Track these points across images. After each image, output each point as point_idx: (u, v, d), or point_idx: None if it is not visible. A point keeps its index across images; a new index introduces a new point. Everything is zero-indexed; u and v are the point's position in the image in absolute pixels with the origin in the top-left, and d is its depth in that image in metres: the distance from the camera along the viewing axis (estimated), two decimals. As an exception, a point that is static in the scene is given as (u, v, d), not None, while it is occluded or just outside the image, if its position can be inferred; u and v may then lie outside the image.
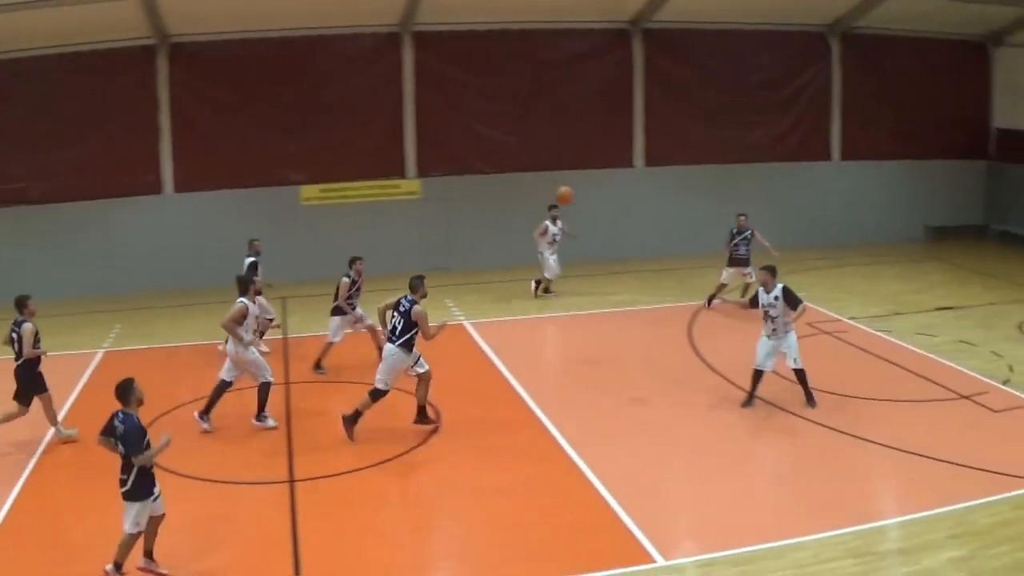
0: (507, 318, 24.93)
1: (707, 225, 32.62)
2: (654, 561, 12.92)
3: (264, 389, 17.79)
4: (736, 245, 25.64)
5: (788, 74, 34.16)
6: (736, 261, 25.70)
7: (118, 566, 12.31)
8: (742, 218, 25.82)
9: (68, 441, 17.24)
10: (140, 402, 12.54)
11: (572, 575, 12.67)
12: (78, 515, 14.52)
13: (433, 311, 24.02)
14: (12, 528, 14.18)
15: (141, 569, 12.61)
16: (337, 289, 21.03)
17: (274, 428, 17.81)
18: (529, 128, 31.03)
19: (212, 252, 28.36)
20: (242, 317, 17.36)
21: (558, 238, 26.82)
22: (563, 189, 25.14)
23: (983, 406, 18.87)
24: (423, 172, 30.17)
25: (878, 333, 23.57)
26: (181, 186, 28.74)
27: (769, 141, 34.10)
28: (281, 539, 13.53)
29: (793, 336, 18.64)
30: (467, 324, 24.44)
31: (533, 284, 27.24)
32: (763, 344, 18.74)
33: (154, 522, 12.55)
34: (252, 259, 22.58)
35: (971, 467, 15.91)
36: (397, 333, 16.90)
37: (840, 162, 35.31)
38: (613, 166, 32.24)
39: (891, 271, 30.70)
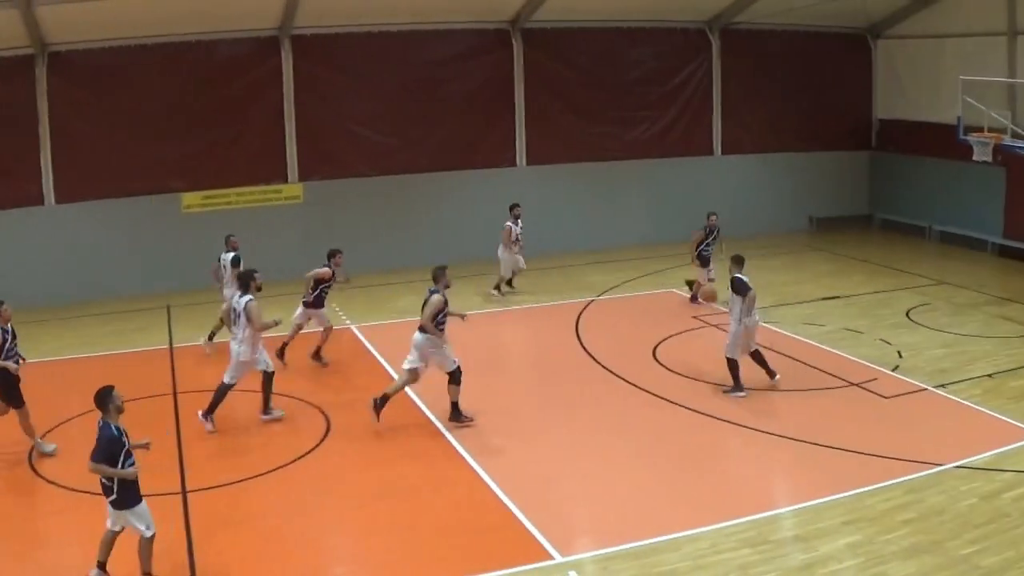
0: (394, 320, 24.66)
1: (591, 222, 32.90)
2: (552, 558, 12.87)
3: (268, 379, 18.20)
4: (708, 244, 25.46)
5: (669, 70, 34.32)
6: (704, 260, 25.47)
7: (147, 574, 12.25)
8: (713, 217, 25.75)
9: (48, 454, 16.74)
10: (119, 410, 12.24)
11: (469, 576, 12.63)
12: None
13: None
14: None
15: None
16: (314, 280, 21.53)
17: (281, 418, 18.24)
18: (410, 130, 30.79)
19: (94, 263, 27.77)
20: (259, 313, 17.66)
21: (520, 238, 26.74)
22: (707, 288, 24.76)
23: (874, 393, 19.18)
24: (305, 176, 29.77)
25: (766, 324, 23.69)
26: (62, 197, 27.99)
27: (651, 137, 34.23)
28: (177, 551, 13.20)
29: (733, 326, 19.00)
30: (354, 328, 24.15)
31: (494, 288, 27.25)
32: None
33: (113, 537, 12.30)
34: (233, 254, 22.74)
35: (864, 453, 16.18)
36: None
37: (722, 156, 35.56)
38: (495, 166, 32.12)
39: (777, 262, 31.01)
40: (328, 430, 17.62)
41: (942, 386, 19.41)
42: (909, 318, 24.38)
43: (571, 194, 32.87)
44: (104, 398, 12.18)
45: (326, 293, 21.61)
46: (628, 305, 26.42)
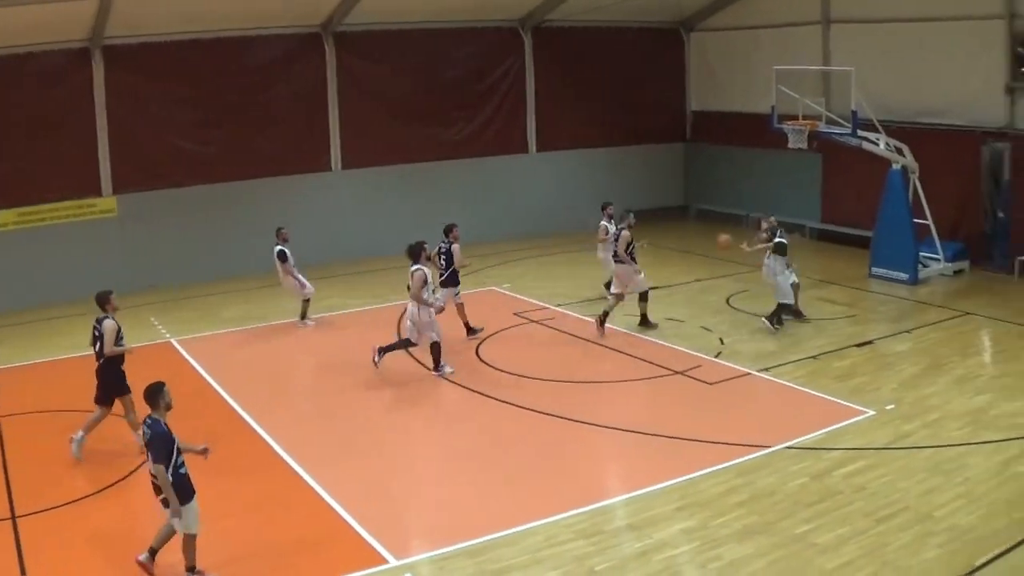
0: (216, 332, 23.90)
1: (409, 224, 32.38)
2: (387, 562, 12.54)
3: (436, 348, 19.93)
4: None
5: (483, 70, 34.18)
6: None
7: (191, 569, 12.12)
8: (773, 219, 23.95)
9: None
10: (168, 407, 12.29)
11: (305, 585, 12.18)
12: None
13: (138, 330, 23.50)
14: None
15: (140, 563, 12.29)
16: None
17: (452, 373, 20.00)
18: (227, 137, 29.90)
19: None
20: (424, 282, 19.67)
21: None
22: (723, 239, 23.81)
23: (698, 380, 19.29)
24: (119, 189, 28.62)
25: (587, 318, 23.69)
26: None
27: (467, 137, 34.02)
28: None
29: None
30: (174, 342, 23.23)
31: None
32: None
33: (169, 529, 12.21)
34: (278, 248, 23.87)
35: (693, 439, 16.24)
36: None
37: (538, 153, 35.56)
38: (312, 170, 31.44)
39: (595, 256, 30.97)
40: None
41: (766, 369, 19.64)
42: (730, 305, 24.66)
43: (388, 196, 32.37)
44: (155, 394, 12.22)
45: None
46: (449, 305, 26.02)
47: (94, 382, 16.71)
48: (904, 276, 25.94)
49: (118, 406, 16.63)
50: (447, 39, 33.13)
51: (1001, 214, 27.34)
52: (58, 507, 14.48)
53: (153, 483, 12.12)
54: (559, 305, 25.14)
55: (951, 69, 27.96)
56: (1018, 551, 12.18)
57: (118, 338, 16.47)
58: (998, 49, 26.61)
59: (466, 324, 22.82)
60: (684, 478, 14.62)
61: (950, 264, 27.11)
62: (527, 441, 16.76)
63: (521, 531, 13.17)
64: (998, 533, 12.62)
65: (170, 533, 12.23)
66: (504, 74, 34.59)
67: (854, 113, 25.33)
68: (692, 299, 25.43)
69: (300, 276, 23.91)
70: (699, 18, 36.76)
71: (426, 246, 20.73)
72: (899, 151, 26.51)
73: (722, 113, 36.51)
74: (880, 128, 26.36)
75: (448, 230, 22.98)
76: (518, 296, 26.16)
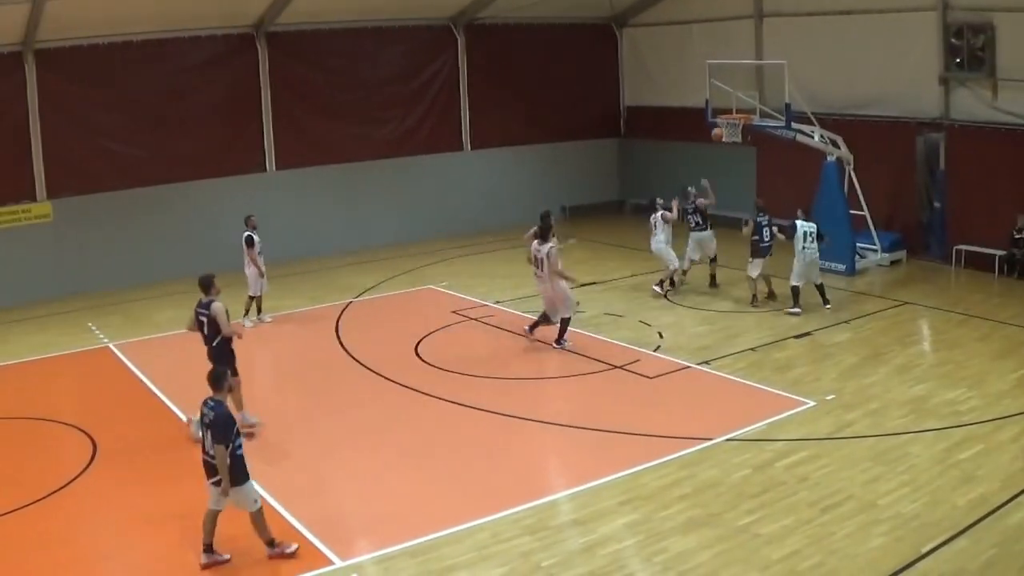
0: (153, 336, 23.49)
1: (344, 224, 32.26)
2: (332, 563, 12.36)
3: (565, 322, 20.88)
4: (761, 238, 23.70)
5: (415, 68, 34.00)
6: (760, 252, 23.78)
7: (270, 542, 12.49)
8: (760, 200, 24.50)
9: (250, 428, 16.59)
10: (230, 389, 12.73)
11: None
12: None
13: (75, 335, 23.10)
14: None
15: (205, 565, 12.41)
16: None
17: (570, 348, 20.75)
18: (160, 140, 29.39)
19: None
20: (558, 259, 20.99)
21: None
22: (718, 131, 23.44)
23: (638, 374, 19.24)
24: (54, 194, 28.06)
25: (525, 315, 23.52)
26: None
27: (400, 135, 33.79)
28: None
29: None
30: (112, 346, 22.78)
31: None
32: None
33: (215, 516, 12.39)
34: (247, 234, 23.47)
35: (634, 433, 16.13)
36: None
37: (472, 151, 35.44)
38: (245, 172, 31.01)
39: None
40: (95, 452, 16.42)
41: (706, 363, 19.61)
42: (668, 299, 24.53)
43: (323, 196, 32.05)
44: (220, 378, 12.58)
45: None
46: (387, 304, 25.89)
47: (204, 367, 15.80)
48: (841, 267, 26.02)
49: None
50: (380, 38, 32.88)
51: (937, 204, 27.52)
52: (1, 515, 14.11)
53: (207, 464, 12.28)
54: (497, 302, 24.96)
55: (885, 61, 28.10)
56: (962, 538, 12.19)
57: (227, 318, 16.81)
58: (932, 40, 26.74)
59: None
60: (627, 472, 14.54)
61: (887, 254, 27.27)
62: (469, 439, 16.60)
63: (466, 529, 13.03)
64: (942, 520, 12.63)
65: (214, 520, 12.38)
66: (437, 72, 34.42)
67: (788, 106, 25.36)
68: (629, 293, 25.34)
69: (262, 267, 23.47)
70: (631, 14, 36.75)
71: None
72: (834, 143, 26.60)
73: (656, 108, 36.54)
74: (814, 120, 26.45)
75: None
76: (456, 294, 25.94)
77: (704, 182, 25.64)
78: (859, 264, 26.47)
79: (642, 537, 12.60)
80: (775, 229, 23.44)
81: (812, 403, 17.10)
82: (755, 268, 23.56)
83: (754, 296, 23.74)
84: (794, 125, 25.73)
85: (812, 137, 26.26)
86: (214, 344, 16.60)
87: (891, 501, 13.24)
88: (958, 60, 26.40)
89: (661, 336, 21.55)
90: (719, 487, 13.96)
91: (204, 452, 12.31)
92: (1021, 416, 16.16)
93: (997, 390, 17.42)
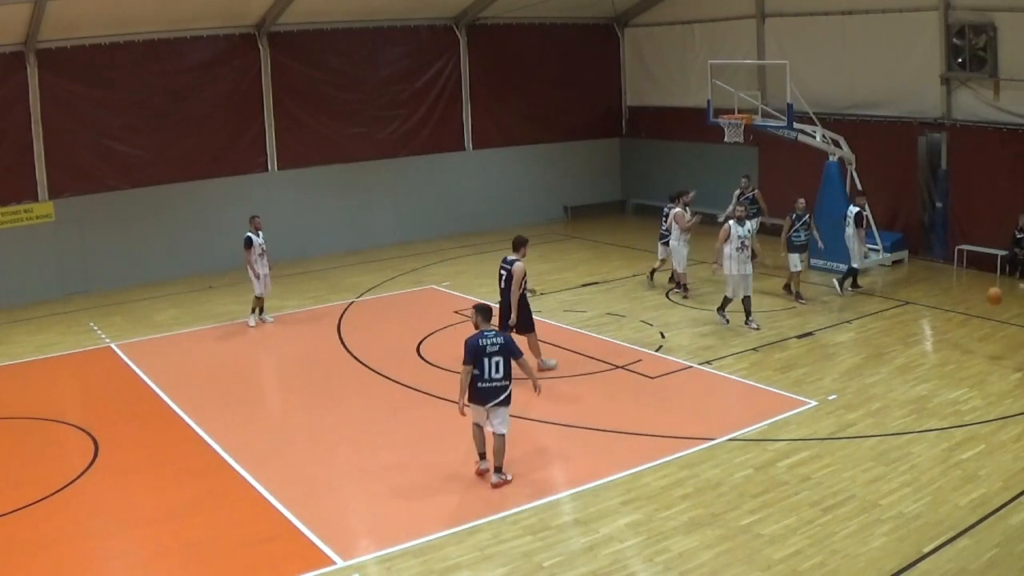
0: (155, 336, 23.50)
1: (347, 224, 32.26)
2: (333, 563, 12.34)
3: (747, 301, 21.81)
4: (797, 231, 24.02)
5: (417, 69, 33.97)
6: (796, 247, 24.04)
7: (498, 468, 14.57)
8: (801, 201, 24.43)
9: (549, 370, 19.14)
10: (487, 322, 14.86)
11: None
12: None
13: (76, 335, 23.19)
14: None
15: (496, 484, 14.46)
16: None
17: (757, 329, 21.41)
18: (161, 140, 29.40)
19: None
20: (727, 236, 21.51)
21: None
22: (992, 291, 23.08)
23: (640, 374, 19.24)
24: (56, 194, 28.04)
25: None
26: None
27: (402, 135, 33.79)
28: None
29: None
30: (114, 346, 22.79)
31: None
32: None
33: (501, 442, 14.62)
34: (247, 235, 23.58)
35: (636, 433, 16.15)
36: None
37: (474, 151, 35.44)
38: (247, 172, 31.04)
39: (534, 253, 30.36)
40: (97, 452, 16.42)
41: (707, 363, 19.61)
42: (669, 299, 24.59)
43: (326, 196, 32.08)
44: (490, 311, 15.05)
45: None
46: (389, 304, 25.88)
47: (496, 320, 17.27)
48: (843, 267, 25.99)
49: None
50: (382, 38, 32.89)
51: (939, 204, 27.50)
52: (4, 515, 14.11)
53: (497, 388, 14.38)
54: (499, 302, 24.91)
55: (887, 61, 28.11)
56: (964, 537, 12.19)
57: (523, 280, 19.09)
58: (933, 40, 26.75)
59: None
60: (629, 472, 14.55)
61: (889, 254, 27.24)
62: (469, 438, 16.55)
63: (468, 528, 13.04)
64: (944, 520, 12.63)
65: (502, 442, 14.53)
66: (439, 72, 34.41)
67: (790, 106, 25.38)
68: (631, 294, 25.33)
69: (258, 269, 23.29)
70: (633, 14, 36.76)
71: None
72: (836, 143, 26.61)
73: (658, 108, 36.57)
74: (816, 121, 26.45)
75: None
76: (458, 294, 25.94)
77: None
78: (861, 264, 26.42)
79: (644, 537, 12.60)
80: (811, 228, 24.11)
81: (814, 403, 17.11)
82: (795, 263, 23.86)
83: (798, 293, 23.99)
84: (796, 125, 25.76)
85: (814, 137, 26.28)
86: (508, 296, 19.12)
87: (893, 501, 13.24)
88: (960, 60, 26.41)
89: (663, 336, 21.55)
90: (721, 487, 13.96)
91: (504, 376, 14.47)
92: (1023, 416, 16.17)
93: (999, 390, 17.44)
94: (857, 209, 24.33)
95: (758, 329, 21.41)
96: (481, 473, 14.71)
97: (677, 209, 24.66)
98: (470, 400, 14.38)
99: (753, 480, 14.14)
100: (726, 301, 21.98)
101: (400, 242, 32.81)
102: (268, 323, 23.90)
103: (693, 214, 24.94)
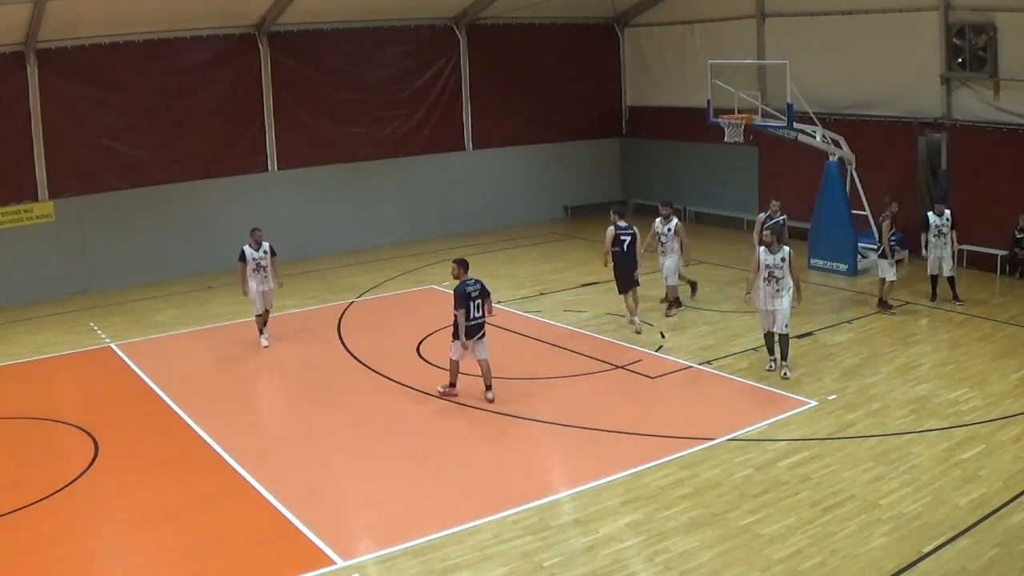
0: (155, 336, 23.49)
1: (347, 224, 32.27)
2: (333, 563, 12.35)
3: (782, 342, 19.24)
4: (895, 232, 23.52)
5: (417, 69, 33.98)
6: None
7: (488, 386, 17.93)
8: (895, 205, 23.64)
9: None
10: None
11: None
12: None
13: (76, 335, 23.21)
14: None
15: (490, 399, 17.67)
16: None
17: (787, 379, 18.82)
18: (161, 140, 29.40)
19: None
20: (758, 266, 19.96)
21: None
22: None
23: (640, 374, 19.25)
24: (56, 194, 28.03)
25: (527, 314, 23.62)
26: None
27: (402, 135, 33.80)
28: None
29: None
30: (114, 346, 22.79)
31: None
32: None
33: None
34: (243, 248, 22.24)
35: (636, 433, 16.13)
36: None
37: (474, 151, 35.46)
38: (246, 172, 31.01)
39: (534, 253, 31.04)
40: (97, 452, 16.42)
41: (708, 363, 19.62)
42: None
43: (326, 196, 32.08)
44: (466, 263, 18.10)
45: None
46: (389, 304, 25.89)
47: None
48: (843, 267, 26.03)
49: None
50: (382, 38, 32.90)
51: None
52: (4, 515, 14.11)
53: (480, 324, 17.71)
54: (499, 302, 24.86)
55: (887, 61, 28.10)
56: (964, 538, 12.19)
57: (616, 241, 22.09)
58: (933, 40, 26.75)
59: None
60: (629, 472, 14.55)
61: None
62: (471, 438, 16.67)
63: (468, 528, 13.05)
64: (944, 520, 12.64)
65: (488, 366, 17.86)
66: (439, 72, 34.42)
67: (790, 106, 25.36)
68: (632, 294, 25.28)
69: (252, 284, 21.93)
70: (633, 13, 36.77)
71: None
72: (836, 143, 26.59)
73: (658, 108, 36.57)
74: (816, 120, 26.42)
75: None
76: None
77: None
78: (861, 264, 26.42)
79: (644, 537, 12.61)
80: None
81: (814, 403, 17.12)
82: (889, 271, 22.92)
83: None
84: (796, 125, 25.74)
85: (814, 137, 26.25)
86: (635, 255, 22.02)
87: (893, 501, 13.24)
88: (960, 60, 26.41)
89: (663, 336, 21.56)
90: (721, 487, 13.97)
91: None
92: (1023, 416, 16.17)
93: (999, 390, 17.44)
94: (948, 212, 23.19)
95: (787, 379, 18.51)
96: (446, 395, 18.11)
97: (677, 221, 23.83)
98: (466, 336, 17.45)
99: (753, 480, 14.14)
100: (767, 339, 19.30)
101: (400, 242, 32.82)
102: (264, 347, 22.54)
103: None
